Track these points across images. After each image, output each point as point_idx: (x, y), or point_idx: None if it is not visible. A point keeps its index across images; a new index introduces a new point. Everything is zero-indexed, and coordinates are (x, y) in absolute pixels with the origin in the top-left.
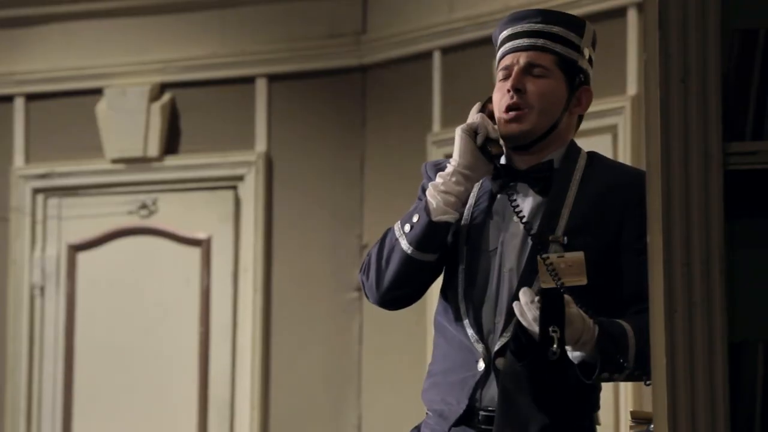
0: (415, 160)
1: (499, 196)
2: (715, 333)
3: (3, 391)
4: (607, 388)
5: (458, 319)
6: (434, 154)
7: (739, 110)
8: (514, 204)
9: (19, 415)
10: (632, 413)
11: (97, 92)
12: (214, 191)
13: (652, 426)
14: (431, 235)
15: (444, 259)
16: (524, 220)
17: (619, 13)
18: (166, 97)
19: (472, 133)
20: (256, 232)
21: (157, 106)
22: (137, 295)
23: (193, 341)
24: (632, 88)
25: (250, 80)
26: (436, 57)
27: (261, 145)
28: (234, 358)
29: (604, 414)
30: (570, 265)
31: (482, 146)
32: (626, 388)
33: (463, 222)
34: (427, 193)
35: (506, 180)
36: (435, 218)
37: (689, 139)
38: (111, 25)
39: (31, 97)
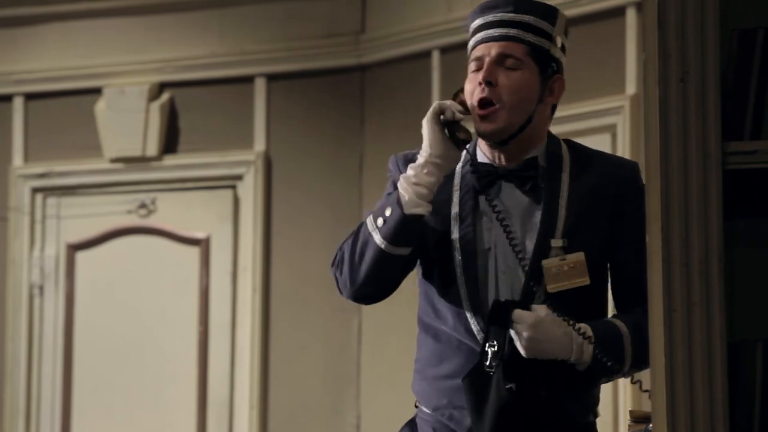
0: None
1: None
2: (714, 332)
3: (2, 391)
4: (606, 388)
5: (460, 321)
6: None
7: (737, 110)
8: (497, 211)
9: (18, 415)
10: (631, 412)
11: (96, 92)
12: (213, 191)
13: (650, 425)
14: (405, 229)
15: (418, 253)
16: (509, 229)
17: (618, 12)
18: (165, 96)
19: (438, 118)
20: (255, 232)
21: (155, 106)
22: (136, 294)
23: (192, 340)
24: (631, 87)
25: (249, 80)
26: (435, 56)
27: (260, 144)
28: (233, 358)
29: (603, 413)
30: (572, 267)
31: (450, 134)
32: (625, 387)
33: (453, 221)
34: (399, 185)
35: (490, 179)
36: (408, 211)
37: (688, 138)
38: (110, 25)
39: (29, 97)
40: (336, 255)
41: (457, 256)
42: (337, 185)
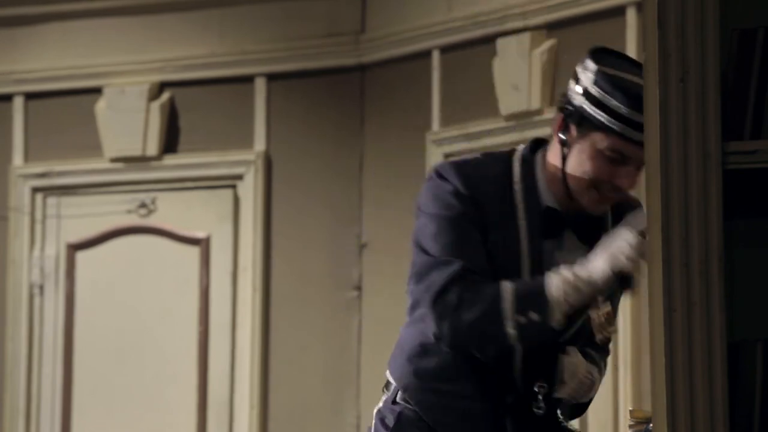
0: (413, 159)
1: (527, 230)
2: (714, 332)
3: (2, 391)
4: (606, 388)
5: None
6: (433, 153)
7: (737, 109)
8: (557, 260)
9: (18, 415)
10: (631, 412)
11: (96, 91)
12: (213, 190)
13: (650, 425)
14: (540, 336)
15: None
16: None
17: (618, 12)
18: (165, 96)
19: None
20: (255, 231)
21: (156, 105)
22: (136, 294)
23: (192, 340)
24: None
25: (249, 79)
26: (435, 56)
27: (260, 144)
28: (233, 358)
29: (603, 413)
30: (606, 316)
31: (622, 280)
32: (625, 387)
33: (523, 259)
34: (556, 291)
35: (559, 228)
36: (556, 326)
37: (688, 138)
38: (110, 24)
39: (30, 96)
40: (444, 292)
41: None
42: (337, 185)
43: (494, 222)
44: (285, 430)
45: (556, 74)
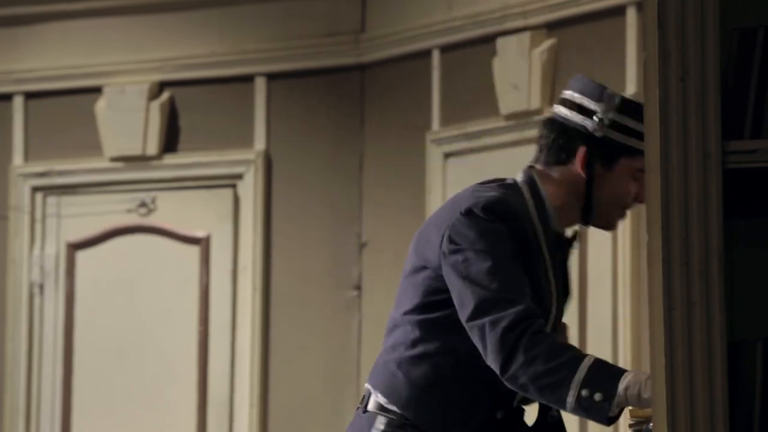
0: (413, 159)
1: (549, 258)
2: (714, 332)
3: (2, 390)
4: None
5: None
6: (433, 153)
7: (737, 109)
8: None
9: (18, 414)
10: (631, 411)
11: (96, 91)
12: (212, 189)
13: (650, 424)
14: (591, 415)
15: None
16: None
17: (618, 11)
18: (165, 95)
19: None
20: (255, 231)
21: (156, 105)
22: (136, 293)
23: (192, 339)
24: (631, 87)
25: (248, 79)
26: (435, 55)
27: (260, 143)
28: (233, 357)
29: None
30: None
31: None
32: None
33: (551, 281)
34: (628, 385)
35: (563, 250)
36: (610, 414)
37: (688, 137)
38: (110, 24)
39: (29, 96)
40: (512, 330)
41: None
42: (337, 184)
43: (530, 256)
44: (285, 430)
45: (556, 74)
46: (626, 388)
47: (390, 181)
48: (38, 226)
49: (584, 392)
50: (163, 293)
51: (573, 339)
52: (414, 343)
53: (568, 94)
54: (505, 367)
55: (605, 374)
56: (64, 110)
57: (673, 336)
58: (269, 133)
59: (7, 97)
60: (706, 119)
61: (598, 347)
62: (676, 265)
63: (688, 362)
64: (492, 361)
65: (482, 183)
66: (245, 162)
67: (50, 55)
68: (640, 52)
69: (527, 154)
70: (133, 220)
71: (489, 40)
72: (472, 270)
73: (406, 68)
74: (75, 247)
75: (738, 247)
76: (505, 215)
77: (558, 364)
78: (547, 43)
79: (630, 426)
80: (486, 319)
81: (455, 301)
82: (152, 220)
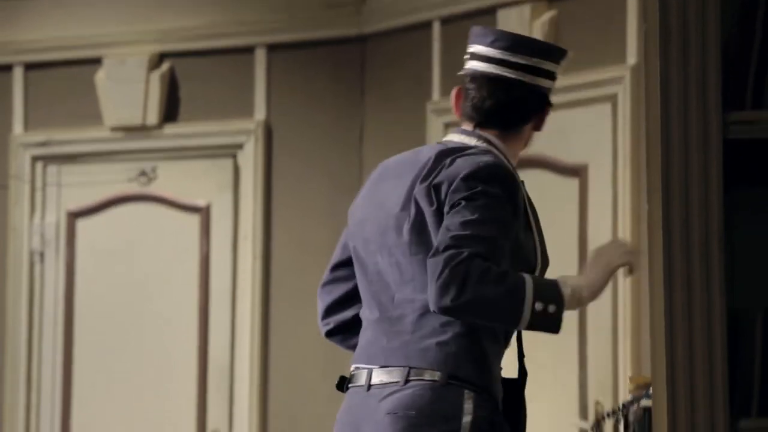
0: (414, 129)
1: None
2: (713, 301)
3: (2, 357)
4: (606, 354)
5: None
6: (433, 123)
7: (738, 80)
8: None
9: (19, 381)
10: (631, 378)
11: (96, 61)
12: (213, 159)
13: (650, 391)
14: (547, 326)
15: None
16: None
17: None
18: (165, 66)
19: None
20: (255, 200)
21: (156, 75)
22: (136, 261)
23: (193, 308)
24: (632, 57)
25: (249, 50)
26: (436, 27)
27: (260, 113)
28: (233, 325)
29: (603, 379)
30: None
31: None
32: (625, 353)
33: (536, 242)
34: (567, 292)
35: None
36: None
37: (689, 108)
38: None
39: (29, 67)
40: (474, 258)
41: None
42: (337, 155)
43: (523, 221)
44: (285, 396)
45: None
46: (572, 295)
47: (390, 152)
48: (38, 195)
49: (538, 306)
50: (163, 262)
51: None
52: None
53: (507, 54)
54: (450, 295)
55: (547, 285)
56: (64, 81)
57: (673, 305)
58: (269, 103)
59: (8, 68)
60: (707, 90)
61: (597, 317)
62: (676, 234)
63: (688, 330)
64: (439, 289)
65: (454, 148)
66: (245, 132)
67: (50, 26)
68: (641, 23)
69: None
70: (134, 189)
71: (490, 11)
72: (476, 203)
73: (407, 39)
74: (75, 215)
75: (738, 216)
76: (506, 180)
77: (507, 286)
78: (548, 15)
79: (630, 392)
80: (449, 252)
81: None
82: (152, 190)
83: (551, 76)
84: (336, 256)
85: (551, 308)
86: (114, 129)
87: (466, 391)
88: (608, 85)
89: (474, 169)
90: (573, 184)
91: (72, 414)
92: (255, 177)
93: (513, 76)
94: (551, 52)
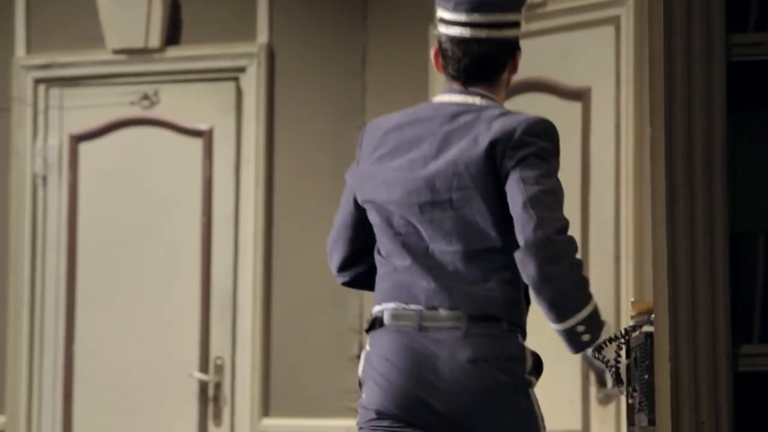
0: (416, 53)
1: None
2: (716, 223)
3: (5, 281)
4: (608, 280)
5: None
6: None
7: (742, 1)
8: None
9: (23, 304)
10: (633, 303)
11: None
12: (215, 82)
13: (652, 316)
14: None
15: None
16: None
17: None
18: None
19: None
20: (257, 124)
21: None
22: (139, 185)
23: (195, 232)
24: None
25: None
26: None
27: (263, 36)
28: (236, 249)
29: (605, 305)
30: None
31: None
32: (627, 278)
33: None
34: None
35: None
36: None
37: (692, 30)
38: None
39: None
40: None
41: None
42: (340, 78)
43: None
44: (288, 320)
45: None
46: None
47: (393, 76)
48: (41, 118)
49: (580, 328)
50: (165, 185)
51: (575, 232)
52: (504, 267)
53: (471, 15)
54: (550, 262)
55: (598, 322)
56: (66, 3)
57: (675, 227)
58: (272, 26)
59: None
60: (711, 11)
61: (599, 242)
62: (678, 156)
63: (690, 254)
64: (538, 247)
65: (473, 106)
66: (248, 55)
67: None
68: None
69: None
70: (136, 112)
71: None
72: (549, 174)
73: None
74: (78, 139)
75: (741, 139)
76: (556, 137)
77: (579, 293)
78: None
79: (632, 318)
80: (555, 214)
81: (514, 206)
82: (155, 113)
83: (516, 25)
84: (343, 217)
85: (585, 337)
86: (116, 52)
87: (518, 335)
88: (611, 7)
89: (529, 124)
90: (576, 107)
91: (75, 338)
92: (257, 100)
93: (481, 35)
94: (511, 3)
